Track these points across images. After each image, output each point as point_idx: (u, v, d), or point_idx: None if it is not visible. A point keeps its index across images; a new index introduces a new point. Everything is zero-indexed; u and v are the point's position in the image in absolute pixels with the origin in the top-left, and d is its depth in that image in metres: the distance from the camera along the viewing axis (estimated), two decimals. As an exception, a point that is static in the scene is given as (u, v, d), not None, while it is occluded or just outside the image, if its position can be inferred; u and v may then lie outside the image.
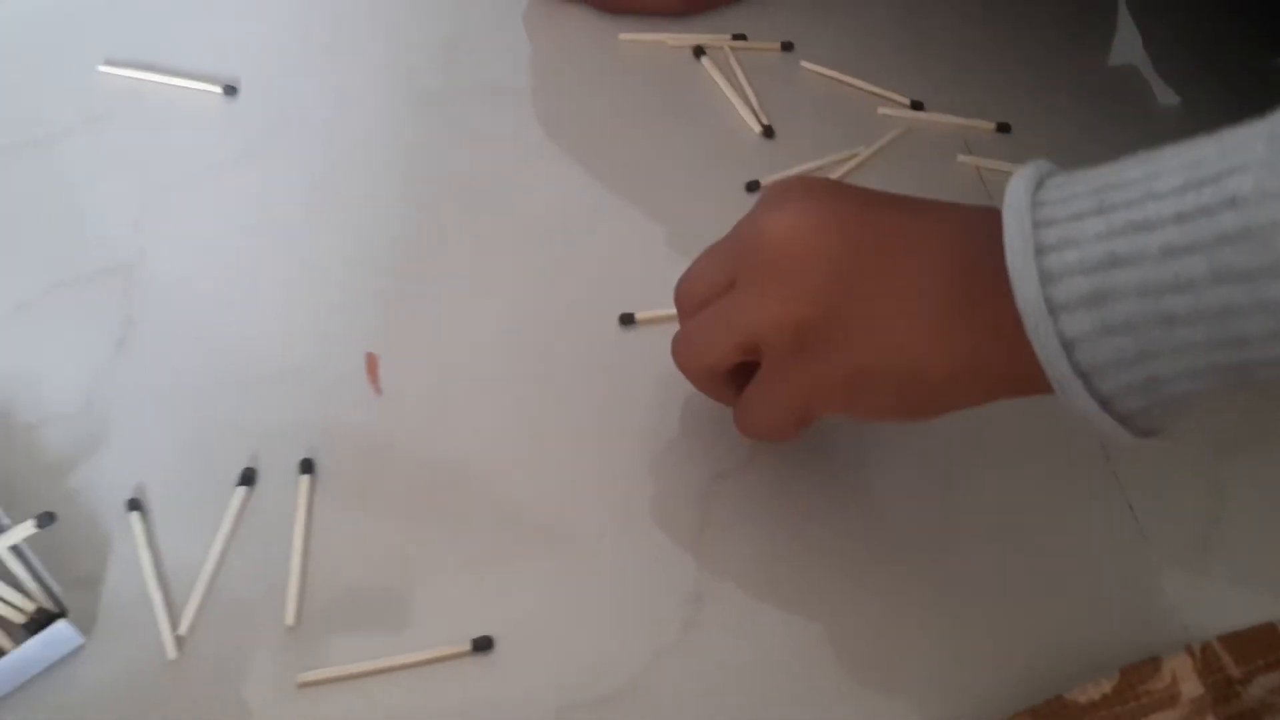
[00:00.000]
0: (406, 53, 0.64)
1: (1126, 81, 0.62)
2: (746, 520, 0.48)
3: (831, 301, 0.40)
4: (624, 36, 0.64)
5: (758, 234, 0.41)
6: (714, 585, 0.46)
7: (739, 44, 0.64)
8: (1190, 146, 0.35)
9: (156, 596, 0.46)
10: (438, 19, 0.65)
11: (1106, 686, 0.42)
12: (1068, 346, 0.35)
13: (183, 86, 0.61)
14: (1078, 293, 0.35)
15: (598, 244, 0.56)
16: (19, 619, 0.45)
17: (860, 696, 0.44)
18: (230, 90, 0.61)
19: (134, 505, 0.48)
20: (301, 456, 0.49)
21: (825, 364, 0.40)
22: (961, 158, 0.59)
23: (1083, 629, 0.46)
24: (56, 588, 0.44)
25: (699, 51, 0.64)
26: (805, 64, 0.63)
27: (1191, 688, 0.43)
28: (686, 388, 0.49)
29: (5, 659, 0.43)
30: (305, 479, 0.49)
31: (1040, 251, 0.35)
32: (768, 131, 0.60)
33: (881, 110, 0.62)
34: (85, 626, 0.45)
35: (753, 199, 0.58)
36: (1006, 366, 0.38)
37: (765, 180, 0.58)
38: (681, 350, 0.45)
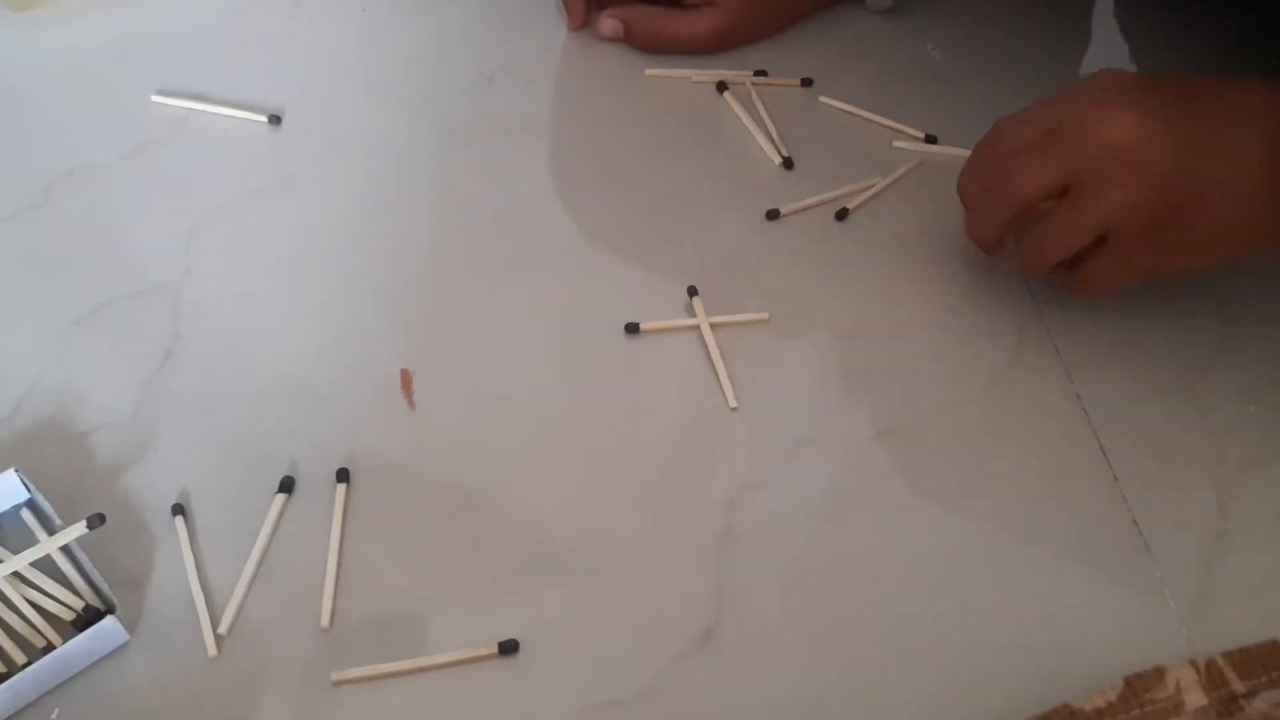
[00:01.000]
0: (442, 86, 0.67)
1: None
2: (767, 531, 0.50)
3: (1172, 187, 0.47)
4: (650, 72, 0.67)
5: (1095, 139, 0.48)
6: (734, 593, 0.48)
7: (760, 79, 0.67)
8: None
9: (199, 597, 0.47)
10: (473, 54, 0.68)
11: (1112, 695, 0.44)
12: None
13: (230, 116, 0.64)
14: None
15: (624, 270, 0.59)
16: (68, 616, 0.47)
17: (872, 704, 0.45)
18: (275, 120, 0.64)
19: (178, 510, 0.50)
20: (338, 466, 0.51)
21: (1169, 240, 0.48)
22: (975, 189, 0.61)
23: (1088, 642, 0.47)
24: (105, 586, 0.46)
25: (722, 86, 0.66)
26: (824, 99, 0.66)
27: (1195, 698, 0.44)
28: (709, 409, 0.51)
29: (54, 654, 0.45)
30: (341, 487, 0.51)
31: None
32: (788, 163, 0.63)
33: (897, 143, 0.64)
34: (130, 624, 0.47)
35: (772, 227, 0.60)
36: None
37: (784, 210, 0.60)
38: (1036, 247, 0.51)
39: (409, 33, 0.69)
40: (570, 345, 0.56)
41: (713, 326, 0.56)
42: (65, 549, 0.48)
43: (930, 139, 0.64)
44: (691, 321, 0.56)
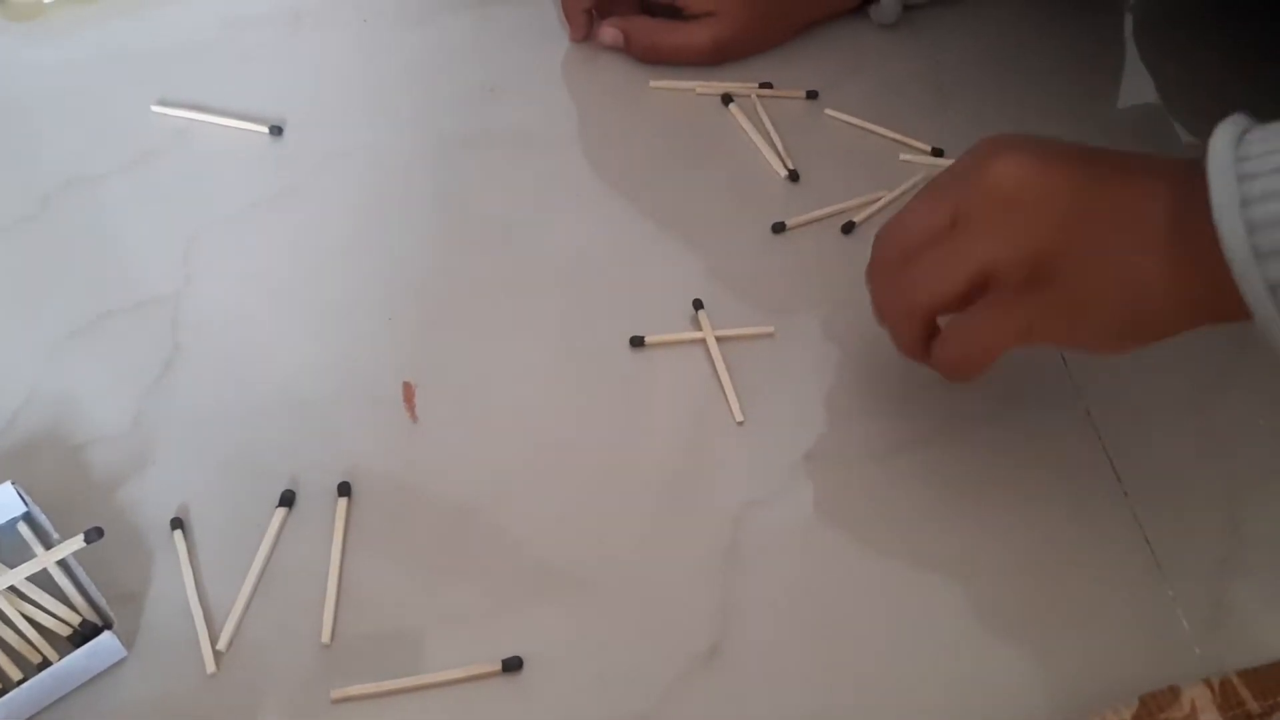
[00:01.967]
0: (444, 98, 0.66)
1: (1139, 124, 0.64)
2: (772, 547, 0.49)
3: (1063, 237, 0.42)
4: (655, 84, 0.67)
5: (988, 176, 0.44)
6: (740, 610, 0.47)
7: (766, 92, 0.66)
8: None
9: (197, 612, 0.47)
10: (474, 66, 0.68)
11: (1126, 714, 0.43)
12: (1273, 289, 0.38)
13: (231, 126, 0.64)
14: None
15: (628, 283, 0.58)
16: (65, 631, 0.46)
17: (882, 722, 0.45)
18: (276, 131, 0.64)
19: (177, 524, 0.49)
20: (339, 480, 0.51)
21: (1054, 294, 0.43)
22: (981, 203, 0.61)
23: (1101, 661, 0.46)
24: (102, 601, 0.46)
25: (727, 99, 0.66)
26: (829, 111, 0.65)
27: (1211, 718, 0.43)
28: (715, 423, 0.51)
29: (50, 670, 0.44)
30: (343, 501, 0.50)
31: (1245, 204, 0.38)
32: (793, 176, 0.62)
33: (903, 157, 0.63)
34: (128, 640, 0.46)
35: (778, 241, 0.60)
36: (1216, 301, 0.40)
37: (790, 223, 0.60)
38: (910, 285, 0.46)
39: (410, 44, 0.69)
40: (575, 358, 0.55)
41: (718, 340, 0.55)
42: (62, 563, 0.47)
43: (937, 152, 0.63)
44: (697, 335, 0.55)
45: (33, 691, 0.43)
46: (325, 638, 0.46)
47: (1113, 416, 0.53)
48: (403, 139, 0.64)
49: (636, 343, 0.55)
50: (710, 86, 0.66)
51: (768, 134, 0.64)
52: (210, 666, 0.46)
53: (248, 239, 0.60)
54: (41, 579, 0.47)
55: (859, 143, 0.64)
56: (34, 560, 0.46)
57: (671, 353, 0.55)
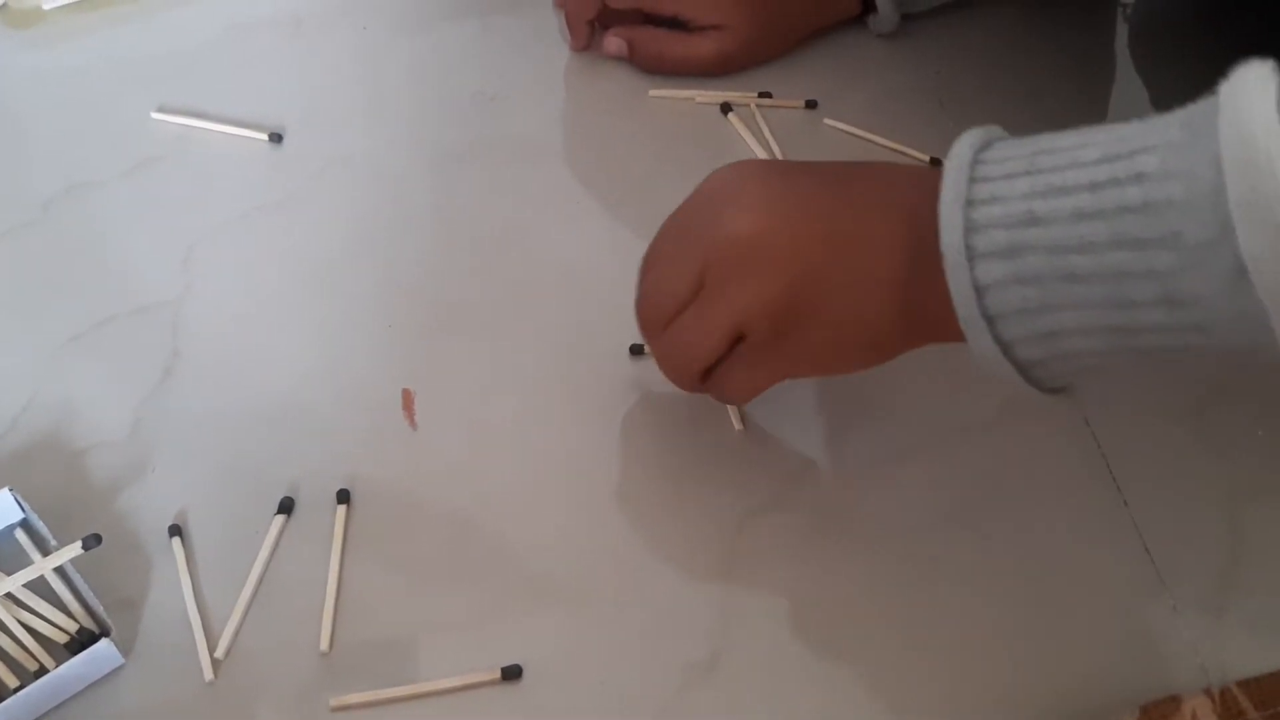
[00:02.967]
0: (444, 106, 0.66)
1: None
2: (774, 555, 0.49)
3: (803, 286, 0.44)
4: (654, 93, 0.67)
5: (724, 236, 0.45)
6: (740, 619, 0.47)
7: (765, 101, 0.67)
8: (1123, 125, 0.38)
9: (195, 620, 0.47)
10: (474, 74, 0.68)
11: (1127, 724, 0.43)
12: (979, 291, 0.39)
13: (231, 133, 0.64)
14: (996, 244, 0.38)
15: (628, 291, 0.58)
16: (61, 638, 0.46)
17: (882, 731, 0.45)
18: (276, 138, 0.64)
19: (175, 531, 0.49)
20: (339, 487, 0.51)
21: (802, 340, 0.45)
22: (980, 212, 0.61)
23: (1102, 670, 0.46)
24: (99, 608, 0.46)
25: (726, 108, 0.66)
26: (828, 121, 0.66)
27: (1211, 728, 0.44)
28: (714, 431, 0.51)
29: (47, 677, 0.44)
30: (342, 509, 0.50)
31: (970, 204, 0.39)
32: (792, 185, 0.62)
33: (902, 166, 0.64)
34: (125, 647, 0.46)
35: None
36: (945, 318, 0.40)
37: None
38: (674, 354, 0.48)
39: (410, 52, 0.69)
40: (574, 366, 0.55)
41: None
42: (59, 570, 0.47)
43: (935, 162, 0.63)
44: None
45: (30, 699, 0.43)
46: (324, 645, 0.46)
47: (1111, 425, 0.53)
48: (403, 147, 0.64)
49: (636, 351, 0.55)
50: (710, 96, 0.67)
51: (767, 143, 0.64)
52: (208, 674, 0.45)
53: (247, 246, 0.60)
54: (39, 586, 0.47)
55: (858, 152, 0.64)
56: (31, 567, 0.46)
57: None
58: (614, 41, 0.67)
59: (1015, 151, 0.40)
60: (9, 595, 0.46)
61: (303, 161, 0.63)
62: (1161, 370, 0.55)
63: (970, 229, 0.39)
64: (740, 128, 0.65)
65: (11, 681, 0.45)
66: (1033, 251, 0.38)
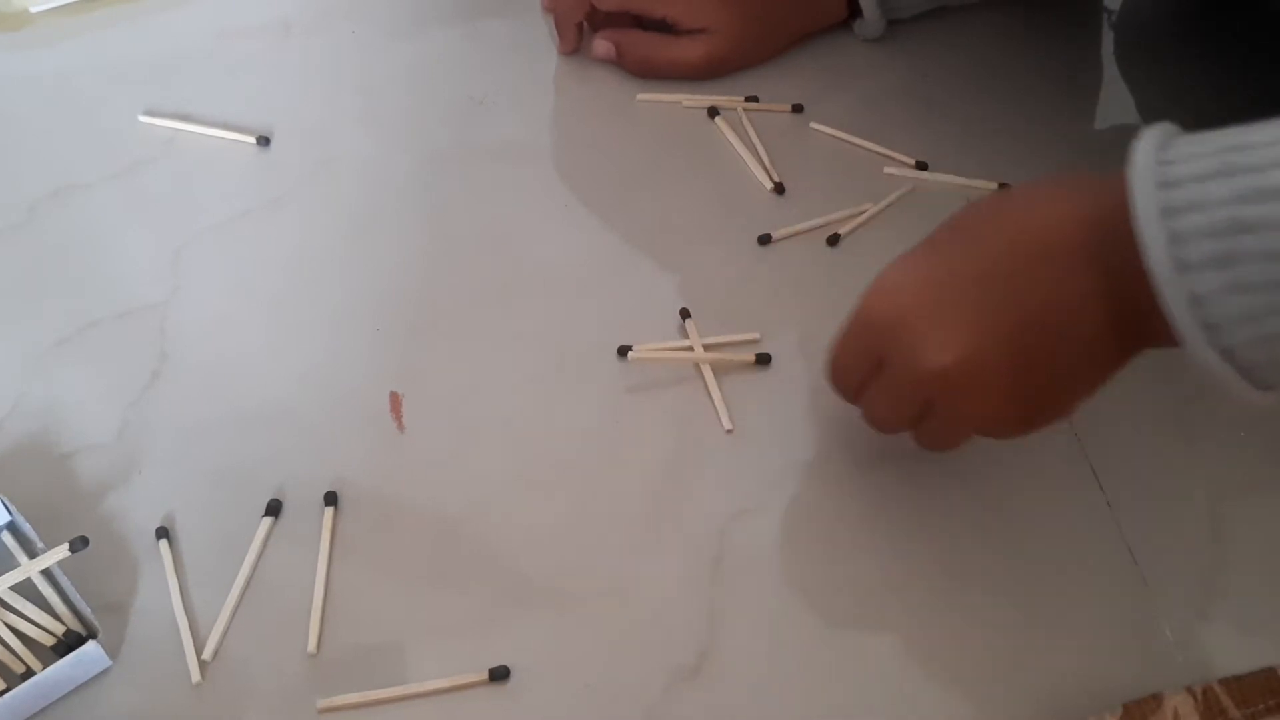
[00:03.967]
0: (432, 109, 0.66)
1: (1121, 139, 0.64)
2: (761, 557, 0.49)
3: (1023, 384, 0.43)
4: (641, 97, 0.67)
5: (931, 373, 0.43)
6: (727, 620, 0.48)
7: (752, 105, 0.67)
8: None
9: (183, 622, 0.47)
10: (462, 78, 0.68)
11: (1109, 722, 0.43)
12: (1195, 303, 0.38)
13: (219, 136, 0.64)
14: (1206, 254, 0.37)
15: (615, 293, 0.58)
16: (48, 641, 0.46)
17: (868, 731, 0.45)
18: (264, 141, 0.64)
19: (163, 533, 0.49)
20: (326, 490, 0.51)
21: (1035, 399, 0.44)
22: (965, 216, 0.62)
23: (1085, 669, 0.47)
24: (87, 611, 0.46)
25: (713, 112, 0.66)
26: (815, 125, 0.66)
27: (1193, 726, 0.44)
28: (703, 432, 0.51)
29: (34, 680, 0.44)
30: (329, 511, 0.50)
31: (1167, 213, 0.38)
32: (779, 188, 0.63)
33: (888, 170, 0.64)
34: (113, 650, 0.46)
35: (764, 253, 0.60)
36: (1160, 328, 0.39)
37: (776, 235, 0.60)
38: (876, 421, 0.48)
39: (399, 56, 0.69)
40: (562, 368, 0.55)
41: (705, 349, 0.55)
42: (46, 572, 0.47)
43: (921, 165, 0.64)
44: (685, 344, 0.56)
45: (16, 701, 0.43)
46: (311, 647, 0.46)
47: (1097, 428, 0.53)
48: (391, 150, 0.64)
49: (624, 353, 0.55)
50: (697, 100, 0.67)
51: (754, 147, 0.65)
52: (196, 676, 0.45)
53: (235, 249, 0.60)
54: (26, 588, 0.47)
55: (844, 156, 0.65)
56: (18, 569, 0.46)
57: (658, 362, 0.55)
58: (602, 45, 0.68)
59: (1200, 149, 0.38)
60: (-5, 598, 0.46)
61: (291, 165, 0.63)
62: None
63: (1174, 240, 0.37)
64: (727, 131, 0.65)
65: (-2, 684, 0.45)
66: (1249, 259, 0.37)
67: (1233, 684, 0.45)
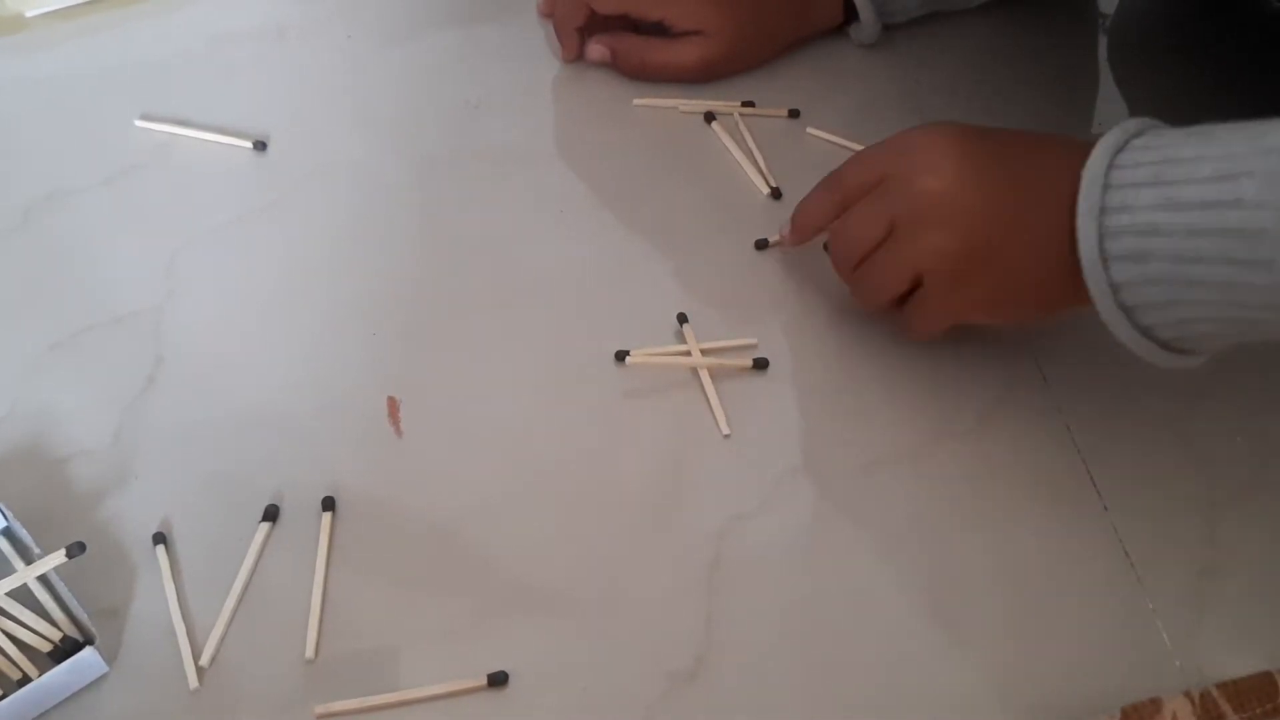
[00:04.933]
0: (428, 114, 0.66)
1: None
2: (757, 561, 0.49)
3: (980, 240, 0.49)
4: (638, 101, 0.67)
5: (917, 191, 0.50)
6: (724, 624, 0.48)
7: (748, 110, 0.67)
8: (1242, 130, 0.42)
9: (180, 628, 0.47)
10: (459, 82, 0.68)
11: (1107, 726, 0.44)
12: (1114, 288, 0.45)
13: (215, 141, 0.64)
14: (1126, 249, 0.44)
15: (612, 298, 0.58)
16: (45, 647, 0.46)
17: (866, 735, 0.45)
18: (260, 146, 0.64)
19: (160, 538, 0.49)
20: (323, 495, 0.51)
21: (977, 287, 0.50)
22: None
23: (1083, 674, 0.47)
24: (83, 617, 0.45)
25: (710, 117, 0.67)
26: (811, 130, 0.66)
27: (1190, 729, 0.44)
28: (700, 437, 0.51)
29: (30, 686, 0.43)
30: (327, 516, 0.50)
31: (1104, 211, 0.45)
32: (775, 193, 0.63)
33: (884, 175, 0.64)
34: (110, 656, 0.46)
35: (761, 258, 0.60)
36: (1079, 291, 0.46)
37: (773, 240, 0.60)
38: (864, 289, 0.54)
39: (395, 60, 0.69)
40: (559, 373, 0.55)
41: (703, 354, 0.55)
42: (43, 578, 0.47)
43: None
44: (682, 349, 0.56)
45: (13, 708, 0.43)
46: (309, 653, 0.46)
47: (1092, 432, 0.54)
48: (387, 155, 0.64)
49: (621, 357, 0.55)
50: (693, 105, 0.67)
51: (750, 152, 0.65)
52: (193, 682, 0.45)
53: (231, 254, 0.60)
54: (22, 594, 0.46)
55: (840, 160, 0.64)
56: (14, 575, 0.46)
57: (656, 367, 0.55)
58: (596, 49, 0.68)
59: (1145, 156, 0.44)
60: (-9, 604, 0.46)
61: (287, 169, 0.63)
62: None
63: (1104, 235, 0.44)
64: (724, 136, 0.66)
65: (-6, 690, 0.44)
66: (1157, 258, 0.43)
67: (1230, 688, 0.45)
